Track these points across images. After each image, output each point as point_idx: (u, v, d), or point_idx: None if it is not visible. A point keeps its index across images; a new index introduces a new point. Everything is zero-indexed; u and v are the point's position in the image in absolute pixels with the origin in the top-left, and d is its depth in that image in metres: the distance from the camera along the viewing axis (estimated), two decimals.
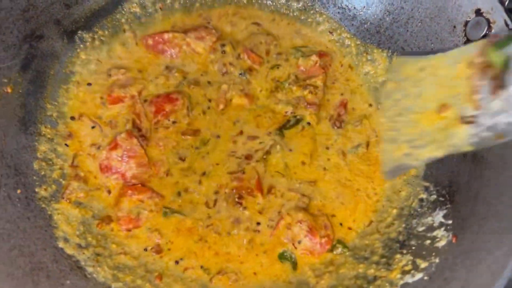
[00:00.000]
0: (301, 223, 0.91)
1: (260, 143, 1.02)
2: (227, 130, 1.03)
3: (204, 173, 0.97)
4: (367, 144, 1.04)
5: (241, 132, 1.03)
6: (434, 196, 0.92)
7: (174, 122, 1.01)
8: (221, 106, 1.04)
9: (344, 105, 1.08)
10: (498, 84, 0.73)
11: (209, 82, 1.07)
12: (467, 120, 0.78)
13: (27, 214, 0.82)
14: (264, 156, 1.00)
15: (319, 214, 0.95)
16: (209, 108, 1.04)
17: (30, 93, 0.95)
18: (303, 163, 1.01)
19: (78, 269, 0.80)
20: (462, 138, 0.78)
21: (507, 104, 0.72)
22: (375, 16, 1.11)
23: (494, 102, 0.74)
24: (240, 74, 1.08)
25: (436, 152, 0.83)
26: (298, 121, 1.05)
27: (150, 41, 1.07)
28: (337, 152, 1.03)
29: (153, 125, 1.00)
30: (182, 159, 0.98)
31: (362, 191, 0.99)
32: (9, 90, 0.90)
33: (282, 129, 1.04)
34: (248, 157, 1.00)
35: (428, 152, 0.84)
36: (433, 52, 0.91)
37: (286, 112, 1.05)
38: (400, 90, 0.92)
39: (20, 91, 0.93)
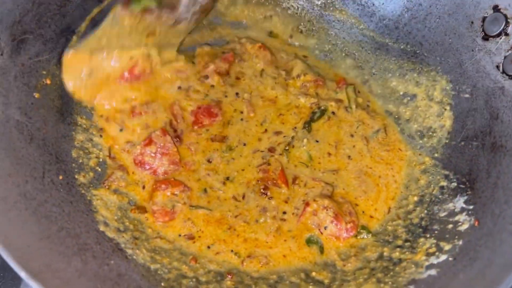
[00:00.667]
0: (327, 210, 0.95)
1: (284, 136, 1.07)
2: (254, 133, 1.08)
3: (228, 178, 1.02)
4: (385, 129, 1.09)
5: (266, 131, 1.08)
6: (455, 184, 0.96)
7: (207, 130, 1.06)
8: (252, 114, 1.09)
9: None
10: None
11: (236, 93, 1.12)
12: None
13: (69, 198, 0.86)
14: (287, 148, 1.04)
15: (343, 201, 0.99)
16: (242, 119, 1.09)
17: None
18: (329, 154, 1.05)
19: (119, 251, 0.84)
20: None
21: None
22: (394, 12, 1.16)
23: None
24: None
25: None
26: (323, 112, 1.09)
27: None
28: (361, 138, 1.08)
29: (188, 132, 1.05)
30: (209, 161, 1.03)
31: (383, 178, 1.03)
32: (48, 82, 0.94)
33: (310, 122, 1.08)
34: (271, 150, 1.05)
35: None
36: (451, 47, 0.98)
37: (311, 104, 1.10)
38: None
39: (58, 82, 0.97)
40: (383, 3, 1.17)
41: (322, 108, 1.10)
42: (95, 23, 1.05)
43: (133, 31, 0.96)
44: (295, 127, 1.08)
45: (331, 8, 1.23)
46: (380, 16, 1.18)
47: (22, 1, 0.89)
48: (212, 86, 1.10)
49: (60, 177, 0.87)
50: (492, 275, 0.71)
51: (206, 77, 1.11)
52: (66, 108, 0.97)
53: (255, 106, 1.11)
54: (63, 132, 0.95)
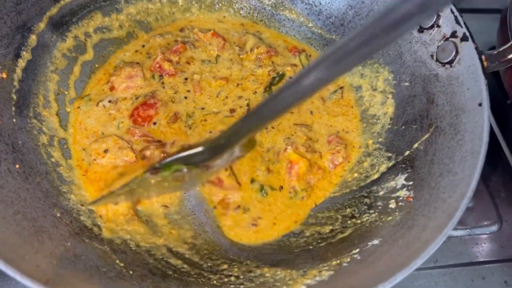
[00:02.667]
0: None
1: (246, 100, 1.14)
2: (211, 100, 1.13)
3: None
4: (342, 91, 1.18)
5: (227, 97, 1.14)
6: (396, 164, 1.02)
7: (155, 123, 1.09)
8: (198, 94, 1.14)
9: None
10: None
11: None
12: None
13: (26, 186, 0.87)
14: (248, 107, 1.11)
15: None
16: (186, 97, 1.13)
17: (23, 79, 1.01)
18: (291, 112, 1.14)
19: (76, 235, 0.86)
20: None
21: None
22: (339, 10, 1.24)
23: None
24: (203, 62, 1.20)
25: None
26: (282, 76, 1.17)
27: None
28: (317, 98, 1.15)
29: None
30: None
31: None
32: (4, 76, 0.96)
33: (270, 86, 1.16)
34: (232, 111, 1.11)
35: None
36: None
37: (268, 71, 1.17)
38: None
39: (14, 77, 0.99)
40: (328, 2, 1.25)
41: (280, 73, 1.16)
42: (53, 23, 1.09)
43: (160, 183, 0.95)
44: (255, 92, 1.14)
45: (281, 8, 1.30)
46: (326, 14, 1.26)
47: None
48: (163, 83, 1.15)
49: (17, 166, 0.89)
50: (426, 236, 0.77)
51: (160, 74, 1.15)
52: (23, 101, 0.99)
53: (205, 86, 1.16)
54: (20, 124, 0.96)
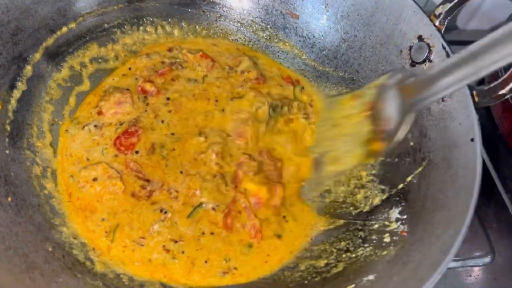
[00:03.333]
0: None
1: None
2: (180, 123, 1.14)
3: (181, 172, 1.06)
4: None
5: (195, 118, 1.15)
6: (390, 197, 1.03)
7: (137, 152, 1.08)
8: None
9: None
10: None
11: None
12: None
13: (18, 219, 0.86)
14: None
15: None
16: (163, 121, 1.13)
17: (18, 110, 1.01)
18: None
19: (68, 270, 0.85)
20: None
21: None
22: (332, 43, 1.26)
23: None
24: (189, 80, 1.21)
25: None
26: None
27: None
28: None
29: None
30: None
31: None
32: None
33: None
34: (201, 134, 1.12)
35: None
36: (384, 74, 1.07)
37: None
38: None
39: (9, 108, 0.99)
40: (322, 35, 1.27)
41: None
42: (49, 53, 1.09)
43: None
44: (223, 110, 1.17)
45: (276, 40, 1.32)
46: (320, 47, 1.28)
47: None
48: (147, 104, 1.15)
49: (9, 199, 0.88)
50: (422, 274, 0.77)
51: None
52: (17, 132, 0.99)
53: (181, 105, 1.15)
54: (13, 155, 0.96)
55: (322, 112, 1.05)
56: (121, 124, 1.09)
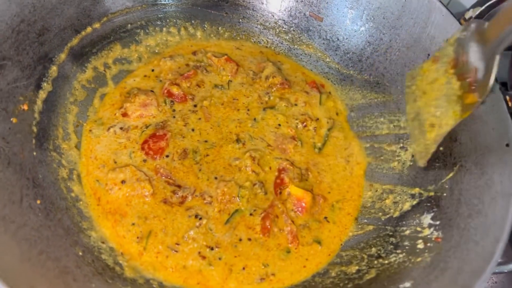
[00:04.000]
0: None
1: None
2: (213, 130, 1.13)
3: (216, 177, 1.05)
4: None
5: (227, 126, 1.14)
6: (421, 202, 1.02)
7: (167, 156, 1.06)
8: (207, 122, 1.13)
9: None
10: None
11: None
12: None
13: (48, 223, 0.85)
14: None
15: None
16: (193, 129, 1.11)
17: (44, 111, 0.99)
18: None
19: (99, 275, 0.83)
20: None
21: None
22: (357, 46, 1.24)
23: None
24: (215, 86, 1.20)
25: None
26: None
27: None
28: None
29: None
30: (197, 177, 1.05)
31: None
32: (25, 108, 0.95)
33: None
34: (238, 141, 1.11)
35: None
36: None
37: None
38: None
39: (35, 109, 0.97)
40: (346, 38, 1.26)
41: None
42: (74, 54, 1.08)
43: None
44: (255, 118, 1.17)
45: (299, 43, 1.31)
46: (344, 49, 1.26)
47: (2, 28, 0.91)
48: (174, 110, 1.14)
49: (38, 202, 0.86)
50: (463, 281, 0.76)
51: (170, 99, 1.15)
52: (43, 134, 0.97)
53: (213, 113, 1.15)
54: (40, 157, 0.94)
55: (407, 86, 1.03)
56: (147, 127, 1.08)
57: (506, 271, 1.18)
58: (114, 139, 1.05)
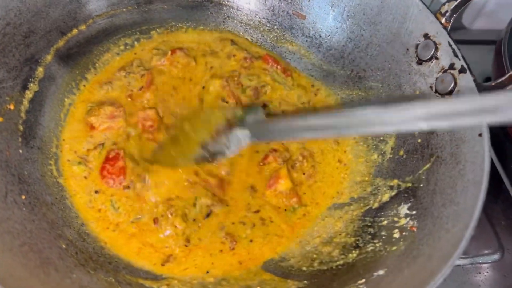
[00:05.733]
0: None
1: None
2: None
3: None
4: None
5: None
6: (399, 193, 1.04)
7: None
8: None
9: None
10: (229, 128, 1.04)
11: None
12: (203, 146, 1.05)
13: (32, 217, 0.88)
14: None
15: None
16: None
17: (30, 110, 1.02)
18: None
19: (82, 266, 0.86)
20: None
21: (226, 140, 1.03)
22: (339, 43, 1.27)
23: (222, 138, 1.03)
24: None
25: None
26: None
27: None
28: None
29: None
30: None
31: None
32: (12, 107, 0.98)
33: None
34: None
35: None
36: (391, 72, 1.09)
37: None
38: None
39: (21, 108, 1.00)
40: (329, 35, 1.28)
41: None
42: (60, 55, 1.11)
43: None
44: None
45: (283, 40, 1.33)
46: (326, 46, 1.29)
47: None
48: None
49: (23, 197, 0.89)
50: (432, 266, 0.78)
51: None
52: (29, 132, 1.00)
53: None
54: (26, 155, 0.97)
55: None
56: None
57: (490, 261, 1.21)
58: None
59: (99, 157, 1.05)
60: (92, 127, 1.09)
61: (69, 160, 1.04)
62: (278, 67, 1.26)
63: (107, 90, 1.14)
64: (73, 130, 1.08)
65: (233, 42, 1.29)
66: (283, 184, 1.07)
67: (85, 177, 1.02)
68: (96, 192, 1.01)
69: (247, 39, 1.34)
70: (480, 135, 0.91)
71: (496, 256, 1.21)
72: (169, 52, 1.21)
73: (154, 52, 1.23)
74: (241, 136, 1.02)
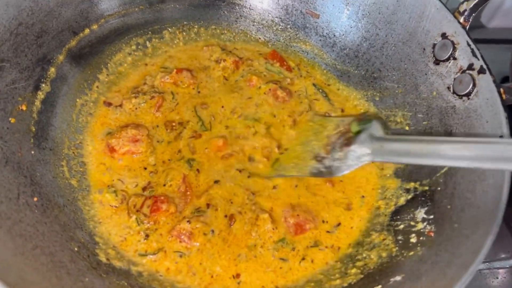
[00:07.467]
0: None
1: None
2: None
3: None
4: None
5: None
6: (416, 197, 1.01)
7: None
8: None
9: None
10: (346, 143, 1.01)
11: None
12: (317, 159, 1.04)
13: (44, 219, 0.87)
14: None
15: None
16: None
17: (42, 111, 1.02)
18: None
19: (94, 269, 0.85)
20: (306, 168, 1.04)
21: (344, 155, 1.00)
22: (353, 42, 1.25)
23: (338, 153, 1.01)
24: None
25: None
26: None
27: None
28: None
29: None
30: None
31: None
32: (24, 108, 0.97)
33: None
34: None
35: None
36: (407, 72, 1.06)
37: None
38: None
39: (33, 109, 1.00)
40: (343, 34, 1.26)
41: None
42: (72, 55, 1.10)
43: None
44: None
45: (296, 40, 1.31)
46: (341, 46, 1.27)
47: (0, 31, 0.93)
48: None
49: (35, 199, 0.89)
50: (452, 274, 0.75)
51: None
52: (41, 133, 1.00)
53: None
54: (38, 156, 0.96)
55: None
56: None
57: (508, 266, 1.18)
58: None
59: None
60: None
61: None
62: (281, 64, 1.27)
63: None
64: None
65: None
66: None
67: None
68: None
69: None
70: (501, 137, 0.88)
71: None
72: (174, 71, 1.20)
73: (161, 70, 1.22)
74: (360, 154, 0.98)
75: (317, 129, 1.11)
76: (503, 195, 0.81)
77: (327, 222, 1.03)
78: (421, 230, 0.93)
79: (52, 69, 1.06)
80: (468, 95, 0.99)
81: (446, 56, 1.05)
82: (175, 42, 1.28)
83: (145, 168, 1.04)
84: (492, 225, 0.78)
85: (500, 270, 1.18)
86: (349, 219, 1.04)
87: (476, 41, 1.01)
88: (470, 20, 1.05)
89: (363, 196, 1.08)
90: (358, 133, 1.01)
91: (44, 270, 0.75)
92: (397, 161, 1.05)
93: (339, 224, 1.03)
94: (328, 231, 1.02)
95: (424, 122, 1.08)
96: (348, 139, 1.01)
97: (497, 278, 1.16)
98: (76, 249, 0.87)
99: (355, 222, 1.04)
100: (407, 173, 1.07)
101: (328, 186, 1.08)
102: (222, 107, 1.16)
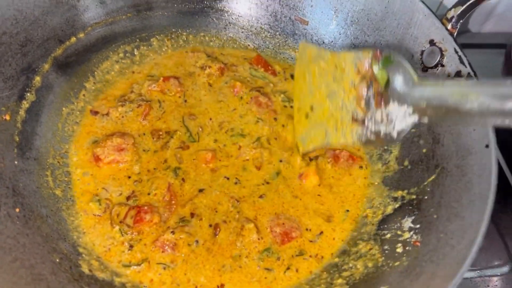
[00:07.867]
0: None
1: None
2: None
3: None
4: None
5: None
6: (403, 206, 1.00)
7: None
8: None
9: None
10: (380, 99, 0.86)
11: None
12: (358, 121, 0.90)
13: (25, 231, 0.86)
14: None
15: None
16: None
17: (27, 120, 1.01)
18: None
19: (76, 281, 0.84)
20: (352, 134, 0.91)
21: (386, 118, 0.85)
22: (342, 49, 1.24)
23: (378, 113, 0.87)
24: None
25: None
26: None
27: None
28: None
29: None
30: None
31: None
32: (8, 118, 0.97)
33: None
34: None
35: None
36: None
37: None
38: (308, 72, 1.02)
39: (17, 119, 0.99)
40: (332, 41, 1.25)
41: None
42: (58, 64, 1.10)
43: None
44: None
45: (285, 47, 1.31)
46: None
47: None
48: None
49: (17, 210, 0.88)
50: (435, 286, 0.75)
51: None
52: (26, 143, 0.99)
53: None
54: (22, 166, 0.96)
55: (299, 58, 1.05)
56: None
57: (499, 274, 1.17)
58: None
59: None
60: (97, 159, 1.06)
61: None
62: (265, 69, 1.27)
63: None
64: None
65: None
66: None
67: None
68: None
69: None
70: (487, 146, 0.87)
71: (505, 269, 1.16)
72: (161, 79, 1.19)
73: (148, 78, 1.22)
74: (402, 114, 0.82)
75: (333, 72, 0.94)
76: (488, 206, 0.80)
77: (310, 230, 1.02)
78: (408, 240, 0.92)
79: (38, 78, 1.05)
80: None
81: (434, 63, 1.04)
82: (163, 49, 1.27)
83: (129, 177, 1.04)
84: (477, 235, 0.77)
85: (492, 278, 1.16)
86: (330, 230, 1.03)
87: (467, 46, 1.00)
88: (458, 26, 1.04)
89: (347, 210, 1.06)
90: (387, 83, 0.85)
91: (23, 284, 0.75)
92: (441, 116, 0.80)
93: (321, 233, 1.02)
94: (311, 240, 1.00)
95: (412, 130, 1.07)
96: (381, 94, 0.85)
97: (489, 286, 1.15)
98: (58, 260, 0.86)
99: (337, 233, 1.02)
100: (395, 181, 1.07)
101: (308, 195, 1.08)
102: (210, 119, 1.16)
